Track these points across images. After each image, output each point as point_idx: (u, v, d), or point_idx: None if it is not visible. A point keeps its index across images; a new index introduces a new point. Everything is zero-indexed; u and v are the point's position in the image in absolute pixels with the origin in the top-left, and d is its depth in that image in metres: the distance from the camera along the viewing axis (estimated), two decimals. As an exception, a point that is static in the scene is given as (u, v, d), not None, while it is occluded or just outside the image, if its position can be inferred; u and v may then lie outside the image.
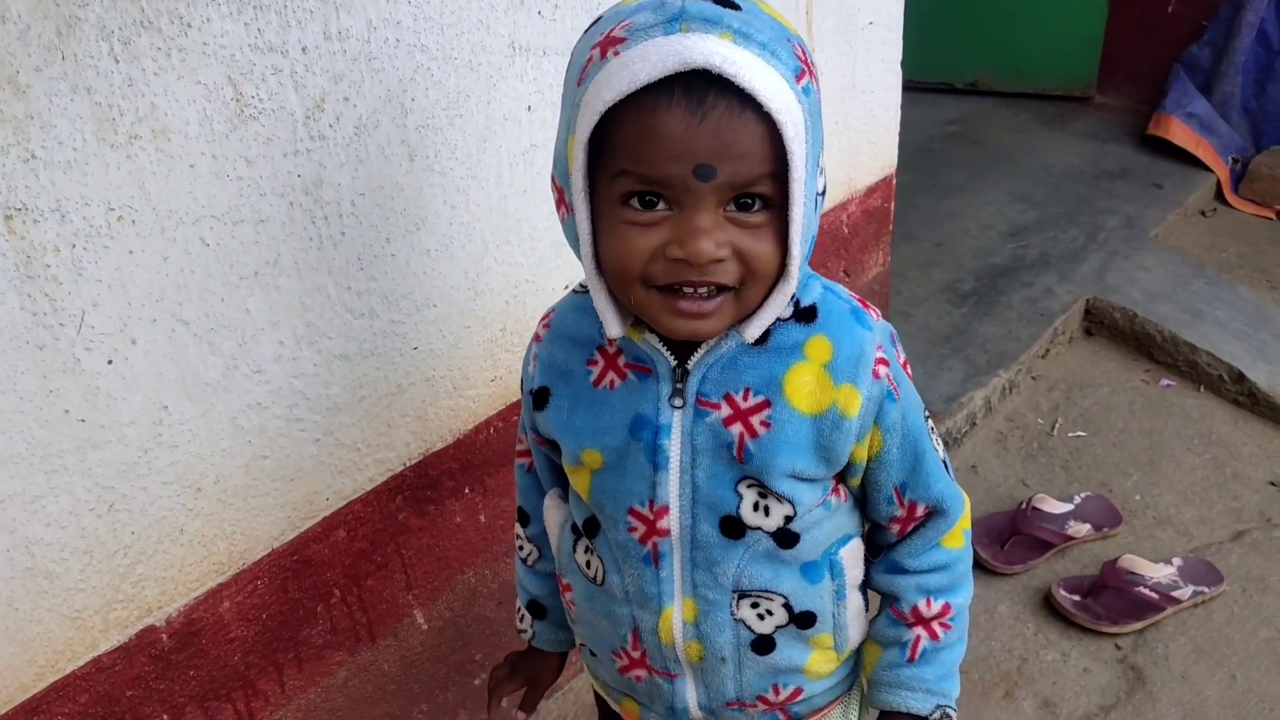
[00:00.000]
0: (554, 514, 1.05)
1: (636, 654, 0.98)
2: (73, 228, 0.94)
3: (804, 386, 0.86)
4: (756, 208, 0.77)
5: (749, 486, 0.88)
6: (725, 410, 0.87)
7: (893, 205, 2.34)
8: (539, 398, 0.96)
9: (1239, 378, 2.55)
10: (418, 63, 1.17)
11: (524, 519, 1.12)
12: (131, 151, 0.96)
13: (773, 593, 0.92)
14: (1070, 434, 2.50)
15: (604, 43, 0.75)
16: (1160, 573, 2.00)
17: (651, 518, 0.90)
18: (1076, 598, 2.01)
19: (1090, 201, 3.33)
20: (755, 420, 0.86)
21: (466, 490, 1.46)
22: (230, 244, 1.06)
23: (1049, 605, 2.03)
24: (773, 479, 0.87)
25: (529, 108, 1.32)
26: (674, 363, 0.87)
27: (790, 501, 0.88)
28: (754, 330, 0.84)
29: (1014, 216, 3.28)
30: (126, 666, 1.12)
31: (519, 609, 1.17)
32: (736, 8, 0.74)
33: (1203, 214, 3.42)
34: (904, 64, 2.14)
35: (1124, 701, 1.84)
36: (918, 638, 0.96)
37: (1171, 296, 2.83)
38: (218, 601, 1.20)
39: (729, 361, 0.87)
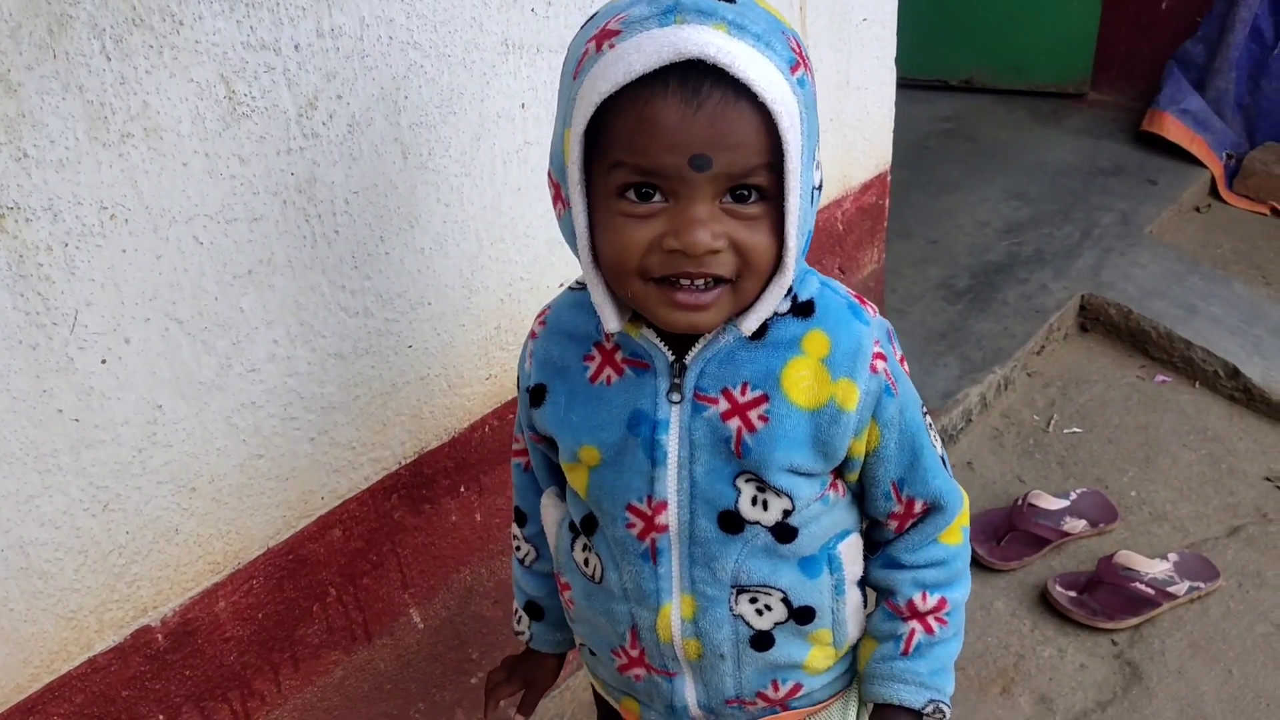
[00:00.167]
0: (551, 512, 1.05)
1: (635, 652, 0.98)
2: (65, 227, 0.94)
3: (802, 381, 0.86)
4: (753, 199, 0.77)
5: (747, 481, 0.88)
6: (723, 405, 0.86)
7: (887, 202, 2.34)
8: (536, 395, 0.95)
9: (1234, 373, 2.55)
10: (411, 60, 1.17)
11: (521, 519, 1.12)
12: (124, 150, 0.95)
13: (771, 588, 0.92)
14: (1066, 430, 2.50)
15: (599, 36, 0.75)
16: (1156, 568, 2.00)
17: (650, 513, 0.90)
18: (1073, 594, 2.01)
19: (1085, 198, 3.33)
20: (753, 415, 0.86)
21: (462, 489, 1.46)
22: (224, 243, 1.06)
23: (1045, 601, 2.03)
24: (771, 473, 0.87)
25: (523, 105, 1.32)
26: (671, 358, 0.87)
27: (788, 496, 0.88)
28: (751, 323, 0.83)
29: (1009, 213, 3.28)
30: (122, 667, 1.12)
31: (516, 611, 1.16)
32: (731, 1, 0.74)
33: (1197, 210, 3.42)
34: (898, 61, 2.14)
35: (1120, 697, 1.85)
36: (912, 631, 0.96)
37: (1166, 292, 2.83)
38: (213, 601, 1.19)
39: (726, 356, 0.87)
